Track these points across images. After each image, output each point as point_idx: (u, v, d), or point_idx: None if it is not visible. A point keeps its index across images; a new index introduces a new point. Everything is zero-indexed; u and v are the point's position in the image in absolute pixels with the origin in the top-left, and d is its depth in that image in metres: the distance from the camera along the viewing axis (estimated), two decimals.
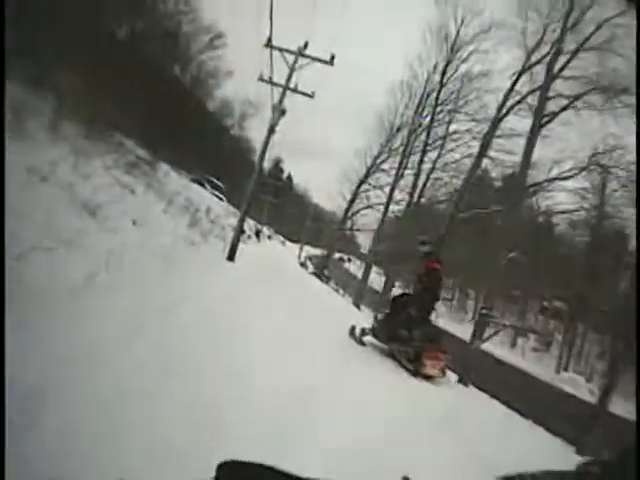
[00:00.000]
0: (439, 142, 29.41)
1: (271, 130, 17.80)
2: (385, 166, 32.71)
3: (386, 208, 31.06)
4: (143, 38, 27.94)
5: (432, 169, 29.46)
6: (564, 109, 19.34)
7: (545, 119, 18.59)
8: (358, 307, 25.48)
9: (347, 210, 34.73)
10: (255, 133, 55.16)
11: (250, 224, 40.46)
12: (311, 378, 5.63)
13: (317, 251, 60.14)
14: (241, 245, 21.23)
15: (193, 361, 4.59)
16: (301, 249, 49.38)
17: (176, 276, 8.40)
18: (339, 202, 35.66)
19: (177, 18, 35.58)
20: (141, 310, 5.38)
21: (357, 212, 34.76)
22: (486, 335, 13.23)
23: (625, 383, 12.07)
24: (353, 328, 9.95)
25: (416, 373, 8.33)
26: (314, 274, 34.04)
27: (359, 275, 34.99)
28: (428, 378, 8.43)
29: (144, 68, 23.10)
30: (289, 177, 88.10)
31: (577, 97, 18.96)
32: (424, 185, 29.89)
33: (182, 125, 32.64)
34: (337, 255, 62.08)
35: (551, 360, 35.75)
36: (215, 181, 38.26)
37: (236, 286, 11.45)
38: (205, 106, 47.14)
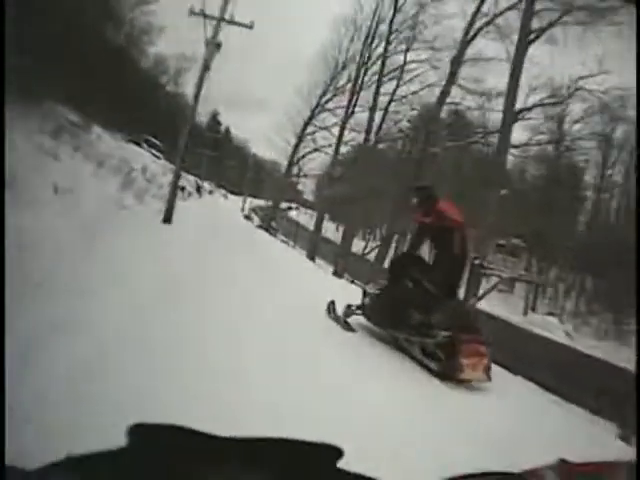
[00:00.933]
0: (396, 73, 28.46)
1: (205, 67, 17.01)
2: (330, 105, 31.70)
3: (336, 149, 30.26)
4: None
5: (390, 102, 28.58)
6: (551, 25, 19.03)
7: (530, 37, 18.46)
8: (313, 260, 25.57)
9: (292, 155, 33.43)
10: (191, 89, 52.64)
11: (190, 180, 40.22)
12: (277, 393, 4.06)
13: (261, 202, 60.24)
14: (181, 203, 21.26)
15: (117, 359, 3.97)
16: (244, 201, 49.36)
17: (101, 248, 7.74)
18: (282, 148, 34.13)
19: None
20: (55, 299, 4.63)
21: (303, 157, 33.54)
22: (482, 291, 11.88)
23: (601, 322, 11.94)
24: (332, 304, 8.02)
25: (447, 376, 5.84)
26: (261, 227, 33.61)
27: (308, 225, 34.38)
28: (461, 382, 5.85)
29: (74, 31, 22.44)
30: (227, 130, 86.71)
31: (566, 12, 18.62)
32: (382, 121, 29.00)
33: (116, 86, 30.45)
34: (283, 205, 62.16)
35: (517, 301, 34.14)
36: (152, 139, 37.81)
37: (173, 251, 10.97)
38: (139, 65, 44.33)
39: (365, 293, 7.97)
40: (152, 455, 0.85)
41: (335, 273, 22.85)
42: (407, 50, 27.70)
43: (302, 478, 0.90)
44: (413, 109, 28.05)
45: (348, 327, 7.43)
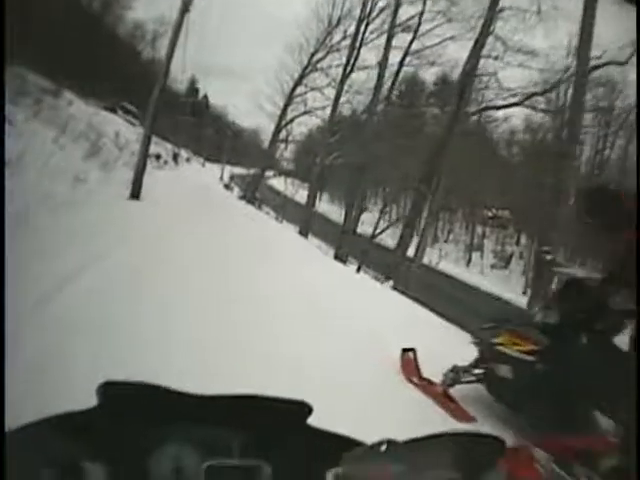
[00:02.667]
0: (413, 22, 25.85)
1: (185, 9, 15.83)
2: (323, 64, 29.70)
3: (333, 111, 28.30)
4: None
5: (404, 56, 26.24)
6: None
7: None
8: (306, 236, 24.47)
9: (280, 118, 31.25)
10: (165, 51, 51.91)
11: (167, 148, 39.30)
12: None
13: (240, 170, 59.22)
14: (157, 172, 20.77)
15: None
16: (222, 170, 48.31)
17: (41, 233, 6.89)
18: (269, 113, 31.98)
19: None
20: None
21: (292, 120, 31.71)
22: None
23: None
24: (412, 353, 5.55)
25: None
26: (243, 198, 32.18)
27: (293, 197, 33.06)
28: None
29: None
30: (205, 96, 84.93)
31: None
32: (394, 80, 27.03)
33: (90, 52, 30.02)
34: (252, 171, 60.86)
35: (511, 277, 32.59)
36: (127, 106, 36.77)
37: (139, 232, 10.12)
38: (115, 31, 43.67)
39: (492, 351, 4.86)
40: (123, 413, 0.87)
41: (337, 257, 21.71)
42: None
43: (271, 434, 0.91)
44: (432, 63, 25.90)
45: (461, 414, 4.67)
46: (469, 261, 34.93)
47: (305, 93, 30.80)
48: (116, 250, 7.67)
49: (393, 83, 27.18)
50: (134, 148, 22.18)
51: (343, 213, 27.93)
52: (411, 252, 22.94)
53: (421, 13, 25.47)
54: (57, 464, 0.73)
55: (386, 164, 24.10)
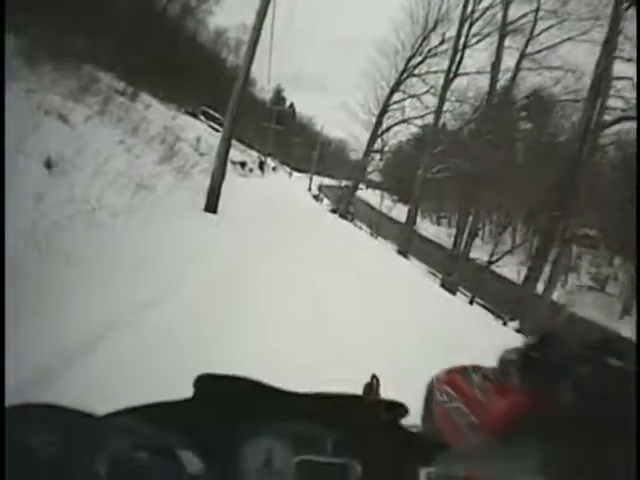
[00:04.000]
0: (526, 20, 22.14)
1: (262, 14, 12.92)
2: (420, 70, 26.54)
3: (436, 119, 24.82)
4: None
5: (519, 59, 22.55)
6: None
7: None
8: (406, 256, 21.47)
9: (376, 127, 27.80)
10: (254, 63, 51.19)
11: (253, 156, 37.22)
12: None
13: (327, 181, 56.85)
14: (241, 180, 18.56)
15: None
16: (311, 180, 45.38)
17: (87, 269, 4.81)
18: (364, 121, 28.63)
19: None
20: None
21: (389, 129, 28.24)
22: None
23: None
24: None
25: None
26: (334, 211, 29.02)
27: (388, 211, 30.33)
28: None
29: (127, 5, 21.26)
30: (292, 105, 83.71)
31: None
32: (509, 87, 23.17)
33: (172, 58, 28.73)
34: (344, 183, 58.50)
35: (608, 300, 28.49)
36: (211, 112, 34.87)
37: (218, 260, 7.75)
38: (197, 37, 43.38)
39: None
40: (216, 405, 0.88)
41: (444, 286, 18.31)
42: None
43: (365, 433, 0.89)
44: (548, 68, 21.61)
45: None
46: (565, 283, 30.32)
47: (402, 100, 27.69)
48: (174, 288, 5.64)
49: (508, 89, 23.43)
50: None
51: (438, 228, 25.39)
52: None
53: (537, 10, 21.94)
54: (152, 449, 0.70)
55: (505, 181, 19.91)
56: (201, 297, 5.62)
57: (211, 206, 11.63)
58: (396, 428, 0.92)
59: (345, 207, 29.17)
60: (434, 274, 20.70)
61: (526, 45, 22.18)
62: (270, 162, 44.36)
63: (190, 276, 6.24)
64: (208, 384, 0.90)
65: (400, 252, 21.73)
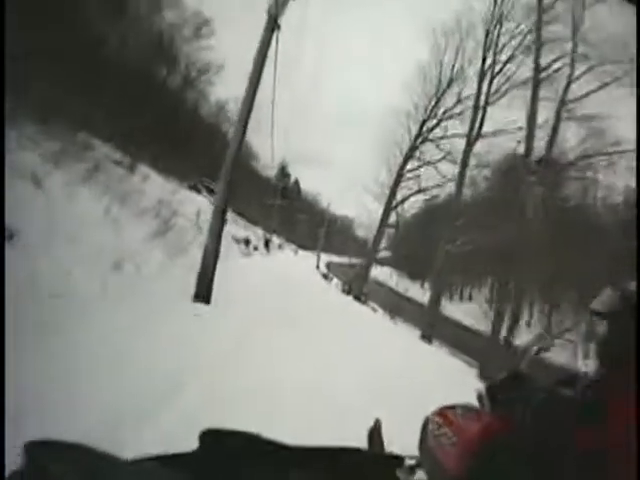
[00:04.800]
0: (561, 64, 19.55)
1: (273, 27, 10.46)
2: (437, 134, 24.48)
3: (459, 187, 22.15)
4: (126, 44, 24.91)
5: (560, 106, 19.63)
6: None
7: None
8: (430, 341, 19.35)
9: (390, 198, 25.59)
10: (255, 137, 50.64)
11: (258, 233, 35.29)
12: None
13: (335, 258, 54.72)
14: (242, 261, 16.68)
15: None
16: (319, 258, 43.18)
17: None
18: (376, 194, 26.66)
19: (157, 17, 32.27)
20: None
21: (404, 200, 26.28)
22: None
23: None
24: None
25: None
26: (347, 292, 26.41)
27: (405, 292, 28.64)
28: None
29: (128, 75, 21.30)
30: (296, 181, 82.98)
31: None
32: (551, 144, 19.96)
33: (173, 129, 29.02)
34: (353, 260, 56.28)
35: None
36: (212, 186, 32.87)
37: (203, 367, 5.60)
38: (198, 109, 43.30)
39: None
40: (222, 459, 0.90)
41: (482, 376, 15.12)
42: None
43: None
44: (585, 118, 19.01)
45: None
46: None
47: (417, 168, 25.57)
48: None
49: (549, 148, 19.78)
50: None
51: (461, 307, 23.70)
52: None
53: (572, 50, 19.40)
54: None
55: (544, 257, 17.43)
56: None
57: (202, 293, 9.22)
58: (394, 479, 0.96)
59: (359, 288, 26.46)
60: (469, 363, 17.91)
61: (565, 91, 19.58)
62: (275, 240, 42.42)
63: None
64: (212, 438, 0.91)
65: (424, 336, 19.59)
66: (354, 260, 34.29)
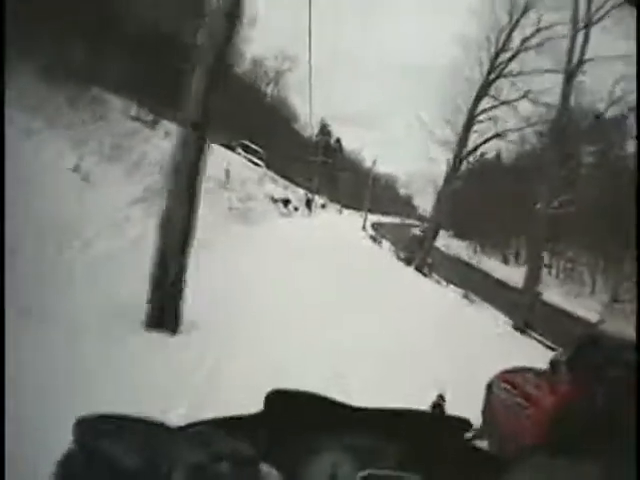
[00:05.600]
0: None
1: None
2: (514, 69, 19.53)
3: (561, 127, 15.83)
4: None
5: None
6: None
7: None
8: (527, 331, 14.50)
9: (462, 143, 20.67)
10: (294, 93, 49.20)
11: (299, 192, 33.07)
12: None
13: (381, 219, 52.25)
14: (283, 222, 14.86)
15: None
16: (365, 218, 40.28)
17: None
18: (441, 140, 21.31)
19: None
20: None
21: (475, 149, 21.53)
22: None
23: None
24: None
25: None
26: (407, 261, 21.78)
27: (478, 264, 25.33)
28: None
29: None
30: (338, 140, 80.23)
31: None
32: None
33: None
34: (403, 221, 53.25)
35: None
36: (251, 145, 31.32)
37: None
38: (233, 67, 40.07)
39: None
40: (287, 420, 0.91)
41: None
42: None
43: (428, 448, 0.90)
44: None
45: None
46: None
47: (492, 108, 20.58)
48: None
49: None
50: (250, 190, 15.99)
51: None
52: None
53: None
54: (234, 460, 0.70)
55: None
56: None
57: (160, 318, 5.18)
58: (462, 444, 0.92)
59: (421, 257, 21.73)
60: None
61: None
62: (318, 199, 40.11)
63: None
64: (277, 399, 0.91)
65: (517, 328, 14.43)
66: (406, 221, 31.09)
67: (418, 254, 21.87)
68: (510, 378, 3.88)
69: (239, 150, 28.02)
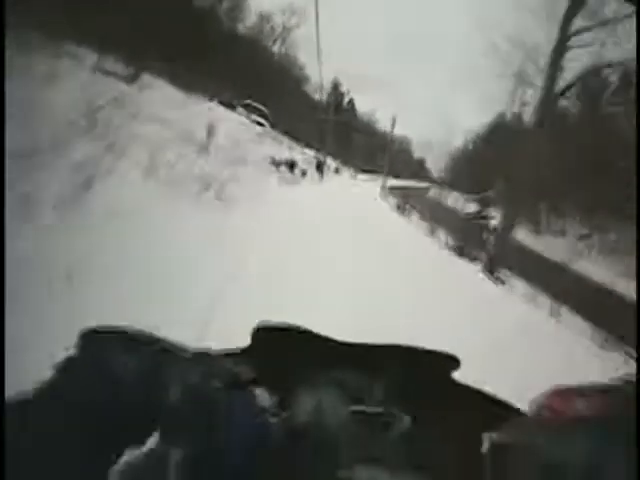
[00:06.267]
0: None
1: None
2: None
3: None
4: None
5: None
6: None
7: None
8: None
9: (552, 77, 14.59)
10: (302, 52, 46.87)
11: (308, 154, 29.52)
12: None
13: (398, 183, 48.78)
14: (284, 192, 12.17)
15: None
16: (385, 185, 36.11)
17: None
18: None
19: None
20: None
21: (569, 87, 15.38)
22: None
23: None
24: None
25: None
26: (458, 251, 16.44)
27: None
28: None
29: None
30: (350, 101, 76.74)
31: None
32: None
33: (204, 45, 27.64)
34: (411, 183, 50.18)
35: None
36: (255, 104, 28.51)
37: None
38: (237, 24, 40.71)
39: None
40: (273, 354, 0.90)
41: None
42: None
43: (415, 385, 0.90)
44: None
45: None
46: None
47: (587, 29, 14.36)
48: None
49: None
50: (246, 154, 13.22)
51: None
52: None
53: None
54: (228, 380, 0.73)
55: None
56: None
57: None
58: (448, 381, 0.91)
59: (497, 258, 15.21)
60: None
61: None
62: (331, 162, 36.55)
63: None
64: (263, 334, 0.91)
65: None
66: (422, 184, 27.15)
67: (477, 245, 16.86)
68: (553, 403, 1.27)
69: (240, 109, 24.94)
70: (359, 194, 26.69)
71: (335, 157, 44.31)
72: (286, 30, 45.13)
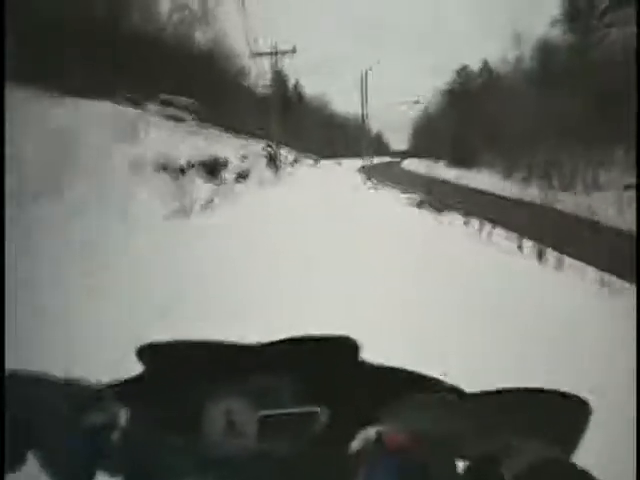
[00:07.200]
0: None
1: None
2: None
3: None
4: None
5: None
6: None
7: None
8: None
9: None
10: (230, 26, 38.80)
11: (254, 150, 23.22)
12: None
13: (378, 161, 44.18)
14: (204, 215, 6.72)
15: None
16: (368, 173, 30.01)
17: None
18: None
19: None
20: None
21: None
22: None
23: None
24: None
25: None
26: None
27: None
28: None
29: None
30: (296, 86, 71.45)
31: None
32: None
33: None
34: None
35: None
36: (173, 98, 22.52)
37: None
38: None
39: None
40: (170, 373, 0.85)
41: None
42: None
43: (321, 375, 0.87)
44: None
45: None
46: None
47: None
48: None
49: None
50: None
51: None
52: None
53: None
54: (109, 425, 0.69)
55: None
56: None
57: None
58: (354, 365, 0.88)
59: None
60: None
61: None
62: (286, 154, 30.56)
63: None
64: (152, 354, 0.85)
65: None
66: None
67: None
68: None
69: (149, 106, 18.94)
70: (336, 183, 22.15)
71: (291, 146, 38.71)
72: (209, 12, 38.80)
